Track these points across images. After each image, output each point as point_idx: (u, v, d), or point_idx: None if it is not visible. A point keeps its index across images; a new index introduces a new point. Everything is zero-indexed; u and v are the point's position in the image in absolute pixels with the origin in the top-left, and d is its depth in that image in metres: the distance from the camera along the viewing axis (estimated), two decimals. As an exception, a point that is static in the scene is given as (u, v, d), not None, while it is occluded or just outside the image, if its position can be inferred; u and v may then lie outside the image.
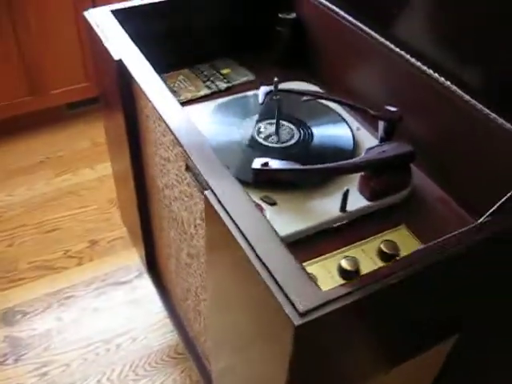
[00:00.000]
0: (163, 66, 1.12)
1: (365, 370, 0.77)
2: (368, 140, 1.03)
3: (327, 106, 1.09)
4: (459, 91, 0.90)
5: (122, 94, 1.04)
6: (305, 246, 0.86)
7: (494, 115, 0.85)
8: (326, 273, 0.82)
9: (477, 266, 0.73)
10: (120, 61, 0.99)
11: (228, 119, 1.07)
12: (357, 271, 0.80)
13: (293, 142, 1.01)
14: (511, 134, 0.82)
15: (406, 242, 0.86)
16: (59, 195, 1.88)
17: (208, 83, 1.20)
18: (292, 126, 1.04)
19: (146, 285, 1.59)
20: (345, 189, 0.88)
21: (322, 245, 0.86)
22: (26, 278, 1.63)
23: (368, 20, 1.07)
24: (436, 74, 0.93)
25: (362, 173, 0.92)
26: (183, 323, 1.26)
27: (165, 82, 0.92)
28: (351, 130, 1.04)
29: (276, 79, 0.98)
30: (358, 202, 0.91)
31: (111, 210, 1.83)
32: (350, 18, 1.11)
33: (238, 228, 0.66)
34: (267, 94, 0.98)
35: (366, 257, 0.84)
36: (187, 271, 1.03)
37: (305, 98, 0.99)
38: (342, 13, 1.13)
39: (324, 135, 1.03)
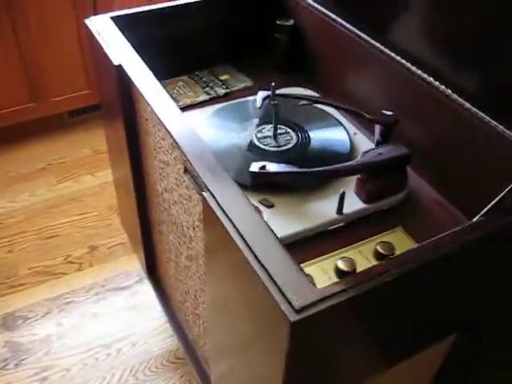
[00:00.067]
0: (163, 72, 1.13)
1: (361, 370, 0.78)
2: (365, 144, 1.04)
3: (324, 111, 1.11)
4: (457, 97, 0.91)
5: (122, 100, 1.05)
6: (302, 247, 0.87)
7: (491, 121, 0.86)
8: (323, 273, 0.83)
9: (470, 265, 0.74)
10: (120, 66, 1.00)
11: (226, 124, 1.08)
12: (353, 272, 0.81)
13: (290, 145, 1.02)
14: (507, 138, 0.84)
15: (402, 244, 0.88)
16: (60, 202, 1.90)
17: (207, 89, 1.22)
18: (290, 130, 1.05)
19: (146, 290, 1.60)
20: (341, 191, 0.89)
21: (320, 246, 0.88)
22: (26, 284, 1.64)
23: (365, 27, 1.09)
24: (431, 78, 0.95)
25: (359, 175, 0.93)
26: (183, 328, 1.26)
27: (164, 88, 0.94)
28: (348, 134, 1.05)
29: (273, 84, 0.99)
30: (354, 204, 0.92)
31: (112, 217, 1.84)
32: (348, 25, 1.12)
33: (236, 228, 0.67)
34: (265, 98, 1.00)
35: (363, 258, 0.85)
36: (186, 274, 1.04)
37: (301, 102, 1.00)
38: (339, 20, 1.14)
39: (321, 139, 1.04)
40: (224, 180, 0.75)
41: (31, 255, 1.71)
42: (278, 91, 1.02)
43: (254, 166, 0.90)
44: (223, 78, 1.25)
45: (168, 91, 1.19)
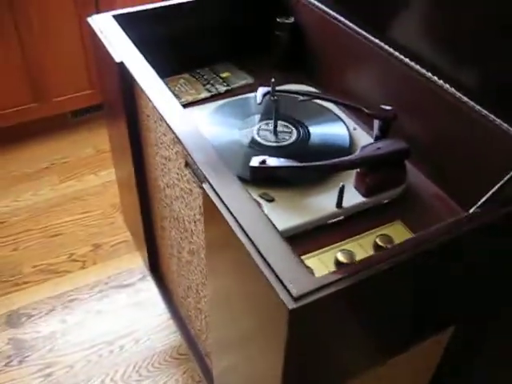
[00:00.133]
0: (165, 70, 1.15)
1: (361, 360, 0.79)
2: (364, 139, 1.05)
3: (324, 107, 1.12)
4: (455, 91, 0.92)
5: (123, 97, 1.07)
6: (302, 240, 0.88)
7: (489, 114, 0.87)
8: (323, 266, 0.84)
9: (467, 255, 0.75)
10: (121, 63, 1.01)
11: (228, 120, 1.09)
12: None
13: (291, 141, 1.03)
14: (506, 132, 0.84)
15: (402, 237, 0.88)
16: (64, 201, 1.91)
17: (208, 86, 1.23)
18: (290, 126, 1.06)
19: (149, 287, 1.62)
20: (341, 185, 0.90)
21: (319, 240, 0.89)
22: (30, 282, 1.65)
23: (365, 24, 1.10)
24: (430, 74, 0.96)
25: (358, 170, 0.94)
26: (185, 323, 1.27)
27: (166, 85, 0.95)
28: (347, 129, 1.06)
29: (273, 80, 1.00)
30: (353, 198, 0.93)
31: (115, 215, 1.85)
32: (348, 22, 1.13)
33: (235, 219, 0.68)
34: (265, 94, 1.01)
35: (362, 250, 0.86)
36: (188, 268, 1.05)
37: (301, 98, 1.02)
38: (339, 17, 1.15)
39: (321, 134, 1.05)
40: (224, 173, 0.76)
41: (35, 253, 1.73)
42: (277, 87, 1.03)
43: (255, 161, 0.91)
44: (224, 75, 1.26)
45: (170, 88, 1.20)
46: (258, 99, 1.00)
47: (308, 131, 1.05)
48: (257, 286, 0.66)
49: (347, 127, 1.07)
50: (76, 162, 2.06)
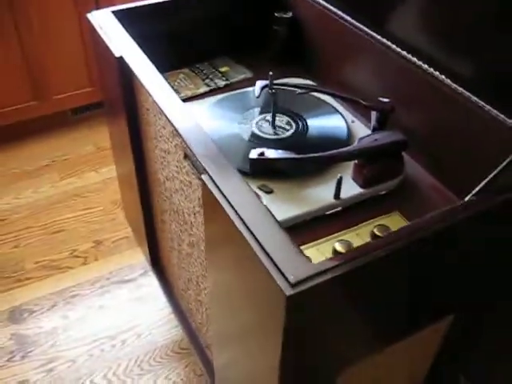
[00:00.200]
0: (165, 65, 1.16)
1: (358, 348, 0.80)
2: (362, 131, 1.06)
3: (322, 100, 1.13)
4: (451, 82, 0.93)
5: (123, 92, 1.07)
6: (300, 231, 0.89)
7: (485, 105, 0.88)
8: (321, 256, 0.84)
9: (462, 243, 0.75)
10: (121, 58, 1.02)
11: (227, 114, 1.10)
12: (350, 253, 0.82)
13: (289, 133, 1.04)
14: (502, 123, 0.85)
15: (399, 227, 0.89)
16: (64, 198, 1.92)
17: (207, 81, 1.24)
18: (288, 119, 1.07)
19: (151, 282, 1.63)
20: (338, 176, 0.91)
21: (318, 230, 0.89)
22: (32, 278, 1.66)
23: (362, 17, 1.11)
24: (426, 66, 0.97)
25: (356, 161, 0.95)
26: (186, 317, 1.28)
27: (166, 80, 0.96)
28: (345, 121, 1.07)
29: (271, 73, 1.01)
30: (351, 189, 0.94)
31: (115, 211, 1.86)
32: (345, 16, 1.14)
33: (233, 208, 0.69)
34: (263, 87, 1.02)
35: (360, 240, 0.87)
36: (188, 261, 1.06)
37: (299, 91, 1.02)
38: (337, 11, 1.16)
39: (319, 126, 1.06)
40: (222, 164, 0.77)
41: (37, 250, 1.74)
42: (275, 81, 1.04)
43: (253, 153, 0.92)
44: (223, 69, 1.27)
45: (169, 83, 1.20)
46: (257, 92, 1.01)
47: (306, 124, 1.06)
48: (255, 273, 0.67)
49: (345, 119, 1.07)
50: (76, 160, 2.07)
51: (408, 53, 1.00)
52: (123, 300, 1.61)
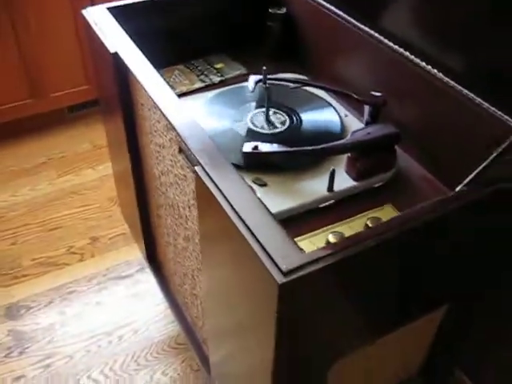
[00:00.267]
0: (160, 61, 1.16)
1: (350, 339, 0.80)
2: (355, 125, 1.07)
3: (316, 95, 1.14)
4: (442, 76, 0.94)
5: (119, 88, 1.08)
6: (294, 224, 0.90)
7: (475, 97, 0.89)
8: (315, 247, 0.85)
9: (453, 233, 0.76)
10: (116, 53, 1.03)
11: (222, 109, 1.11)
12: (343, 245, 0.83)
13: (283, 128, 1.05)
14: (494, 116, 0.86)
15: (391, 219, 0.90)
16: (62, 195, 1.93)
17: (202, 77, 1.25)
18: (283, 114, 1.08)
19: (148, 279, 1.63)
20: (331, 169, 0.92)
21: (311, 223, 0.90)
22: (29, 275, 1.67)
23: (356, 13, 1.12)
24: (418, 59, 0.98)
25: (349, 154, 0.96)
26: (183, 312, 1.29)
27: (161, 76, 0.96)
28: (339, 115, 1.08)
29: (264, 68, 1.02)
30: (344, 182, 0.95)
31: (112, 208, 1.87)
32: (338, 12, 1.15)
33: (226, 199, 0.70)
34: (257, 82, 1.03)
35: (353, 232, 0.87)
36: (184, 255, 1.07)
37: (292, 85, 1.03)
38: (330, 6, 1.17)
39: (313, 121, 1.07)
40: (216, 156, 0.78)
41: (34, 247, 1.74)
42: (269, 76, 1.04)
43: (247, 147, 0.93)
44: (218, 66, 1.28)
45: (165, 79, 1.21)
46: (250, 87, 1.02)
47: (300, 118, 1.07)
48: (248, 263, 0.68)
49: (338, 113, 1.08)
50: (73, 157, 2.08)
51: (400, 47, 1.01)
52: (120, 296, 1.61)
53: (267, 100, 1.04)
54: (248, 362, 0.87)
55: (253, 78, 1.03)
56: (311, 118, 1.07)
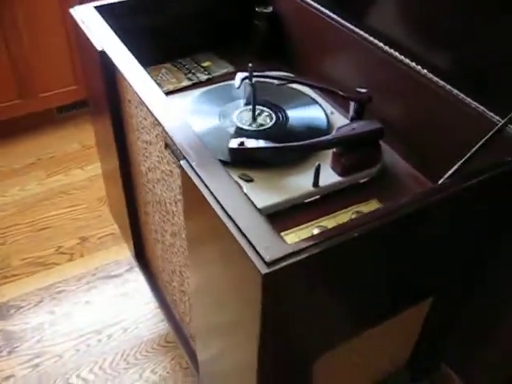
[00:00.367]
0: (148, 60, 1.17)
1: (335, 331, 0.81)
2: (341, 122, 1.08)
3: (302, 92, 1.15)
4: (428, 73, 0.95)
5: (106, 86, 1.09)
6: (280, 219, 0.91)
7: (459, 93, 0.90)
8: (300, 241, 0.86)
9: (435, 225, 0.77)
10: (103, 51, 1.03)
11: (209, 106, 1.12)
12: (328, 239, 0.84)
13: (270, 125, 1.06)
14: (481, 114, 0.87)
15: (376, 213, 0.91)
16: (51, 195, 1.93)
17: (189, 75, 1.25)
18: (269, 111, 1.09)
19: (137, 278, 1.64)
20: (316, 164, 0.93)
21: (297, 218, 0.91)
22: (19, 274, 1.66)
23: (342, 11, 1.13)
24: (402, 56, 0.99)
25: (334, 150, 0.96)
26: (171, 309, 1.30)
27: (149, 74, 0.97)
28: (325, 112, 1.09)
29: (250, 65, 1.03)
30: (330, 177, 0.96)
31: (101, 208, 1.87)
32: (325, 10, 1.16)
33: (210, 191, 0.71)
34: (243, 79, 1.03)
35: (338, 226, 0.89)
36: (171, 251, 1.07)
37: (277, 82, 1.04)
38: (316, 5, 1.18)
39: (299, 117, 1.08)
40: (201, 151, 0.79)
41: (23, 247, 1.74)
42: (255, 73, 1.05)
43: (233, 142, 0.93)
44: (205, 64, 1.29)
45: (152, 77, 1.22)
46: (237, 84, 1.03)
47: (286, 115, 1.08)
48: (233, 255, 0.69)
49: (324, 110, 1.09)
50: (63, 157, 2.08)
51: (385, 44, 1.02)
52: (109, 295, 1.62)
53: (253, 97, 1.05)
54: (235, 358, 0.88)
55: (239, 75, 1.04)
56: (297, 114, 1.08)
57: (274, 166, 0.97)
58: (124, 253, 1.69)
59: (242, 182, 0.94)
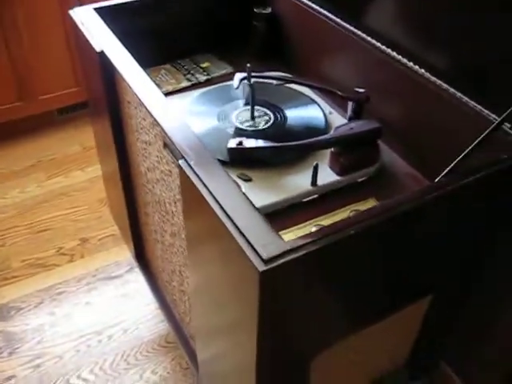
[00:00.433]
0: (148, 61, 1.18)
1: (333, 329, 0.81)
2: (340, 122, 1.08)
3: (301, 92, 1.15)
4: (426, 73, 0.96)
5: (105, 87, 1.09)
6: (279, 217, 0.91)
7: (455, 92, 0.91)
8: (298, 240, 0.86)
9: (431, 223, 0.78)
10: (102, 52, 1.04)
11: (208, 107, 1.12)
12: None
13: (268, 124, 1.06)
14: (479, 113, 0.88)
15: (374, 212, 0.91)
16: (51, 197, 1.93)
17: (188, 76, 1.26)
18: (268, 111, 1.09)
19: (137, 279, 1.64)
20: (314, 163, 0.93)
21: (296, 217, 0.92)
22: (19, 276, 1.67)
23: (340, 12, 1.13)
24: (400, 56, 0.99)
25: (332, 149, 0.97)
26: (172, 310, 1.30)
27: (148, 75, 0.97)
28: (323, 112, 1.09)
29: (248, 65, 1.03)
30: (328, 177, 0.97)
31: (101, 209, 1.87)
32: (323, 11, 1.17)
33: (209, 190, 0.71)
34: (242, 79, 1.04)
35: (336, 225, 0.89)
36: (171, 251, 1.08)
37: (276, 82, 1.05)
38: (314, 6, 1.19)
39: (298, 117, 1.08)
40: (199, 150, 0.79)
41: (24, 248, 1.75)
42: (254, 73, 1.06)
43: (232, 142, 0.94)
44: (204, 65, 1.30)
45: (151, 78, 1.22)
46: (235, 84, 1.04)
47: (285, 115, 1.08)
48: (231, 254, 0.69)
49: (323, 110, 1.10)
50: (63, 159, 2.08)
51: (383, 44, 1.03)
52: (109, 296, 1.62)
53: (252, 97, 1.06)
54: (234, 357, 0.88)
55: (238, 76, 1.04)
56: (296, 114, 1.09)
57: (273, 165, 0.98)
58: (124, 254, 1.69)
59: (240, 182, 0.95)
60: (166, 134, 0.83)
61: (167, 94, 1.21)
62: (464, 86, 0.90)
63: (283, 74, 1.20)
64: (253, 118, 1.07)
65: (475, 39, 0.89)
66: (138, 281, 1.64)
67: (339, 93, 1.01)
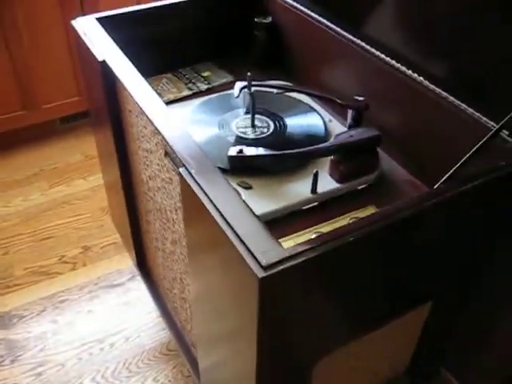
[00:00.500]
0: (149, 70, 1.19)
1: (334, 335, 0.82)
2: (340, 130, 1.09)
3: (300, 101, 1.16)
4: (425, 81, 0.96)
5: (107, 96, 1.10)
6: (279, 225, 0.92)
7: (456, 101, 0.91)
8: (298, 247, 0.87)
9: (430, 230, 0.78)
10: (104, 62, 1.05)
11: (209, 115, 1.13)
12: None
13: (268, 133, 1.07)
14: (478, 121, 0.88)
15: (374, 219, 0.92)
16: (53, 205, 1.94)
17: (189, 85, 1.27)
18: (268, 119, 1.10)
19: (139, 287, 1.64)
20: (314, 171, 0.94)
21: (295, 224, 0.92)
22: (21, 284, 1.67)
23: (340, 21, 1.14)
24: (398, 64, 1.00)
25: (332, 157, 0.98)
26: (172, 317, 1.30)
27: (150, 84, 0.98)
28: (323, 120, 1.10)
29: (249, 74, 1.04)
30: (328, 184, 0.97)
31: (104, 218, 1.88)
32: (323, 20, 1.18)
33: (209, 198, 0.72)
34: (242, 88, 1.05)
35: (336, 232, 0.89)
36: (172, 259, 1.08)
37: (276, 91, 1.06)
38: (314, 15, 1.20)
39: (298, 125, 1.09)
40: (200, 158, 0.80)
41: (26, 256, 1.75)
42: (254, 82, 1.07)
43: (232, 150, 0.95)
44: (205, 74, 1.31)
45: (152, 87, 1.24)
46: (235, 93, 1.04)
47: (285, 123, 1.09)
48: (231, 261, 0.70)
49: (322, 118, 1.11)
50: (65, 168, 2.09)
51: (382, 53, 1.04)
52: (111, 304, 1.62)
53: (252, 106, 1.06)
54: (235, 365, 0.88)
55: (238, 85, 1.05)
56: (296, 122, 1.10)
57: (273, 173, 0.99)
58: (126, 262, 1.70)
59: (240, 189, 0.95)
60: (167, 142, 0.84)
61: (169, 102, 1.22)
62: (462, 94, 0.91)
63: (283, 83, 1.21)
64: (253, 126, 1.08)
65: (474, 47, 0.89)
66: (139, 289, 1.64)
67: (339, 101, 1.02)
